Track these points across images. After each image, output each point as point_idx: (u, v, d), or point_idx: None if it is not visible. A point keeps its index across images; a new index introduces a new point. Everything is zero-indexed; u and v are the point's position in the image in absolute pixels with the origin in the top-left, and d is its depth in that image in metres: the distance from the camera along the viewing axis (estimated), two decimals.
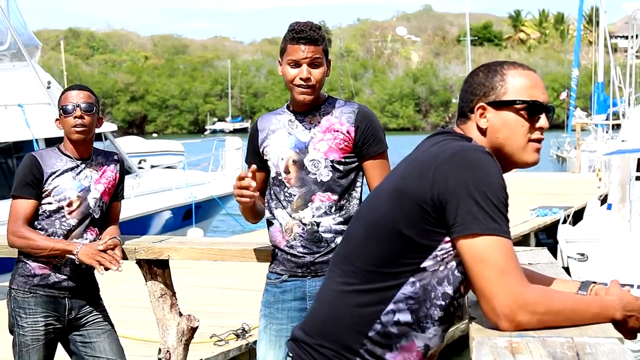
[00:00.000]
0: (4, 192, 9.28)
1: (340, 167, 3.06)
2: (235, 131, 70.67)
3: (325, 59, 3.05)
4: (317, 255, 3.05)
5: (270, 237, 3.17)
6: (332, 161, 3.05)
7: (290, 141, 3.09)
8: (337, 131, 3.06)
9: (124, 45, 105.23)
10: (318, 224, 3.05)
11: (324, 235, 3.05)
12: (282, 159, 3.09)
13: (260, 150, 3.16)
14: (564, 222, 13.31)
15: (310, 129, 3.08)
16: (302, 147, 3.07)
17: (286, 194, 3.09)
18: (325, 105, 3.12)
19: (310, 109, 3.10)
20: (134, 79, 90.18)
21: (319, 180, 3.06)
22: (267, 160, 3.15)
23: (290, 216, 3.07)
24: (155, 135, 72.51)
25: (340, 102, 3.15)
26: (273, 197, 3.13)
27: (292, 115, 3.13)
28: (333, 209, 3.06)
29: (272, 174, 3.13)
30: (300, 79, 3.00)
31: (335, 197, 3.06)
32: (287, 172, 3.08)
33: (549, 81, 75.71)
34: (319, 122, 3.08)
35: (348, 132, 3.06)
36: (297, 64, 3.00)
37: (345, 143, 3.07)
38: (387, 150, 3.15)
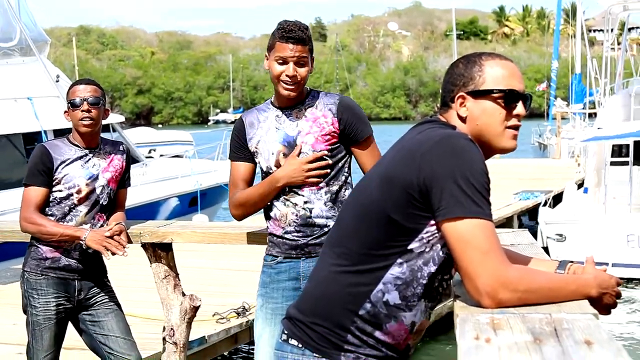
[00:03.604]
0: (14, 181, 9.24)
1: (328, 158, 3.05)
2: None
3: (310, 57, 3.03)
4: (309, 238, 3.04)
5: (268, 226, 3.15)
6: (320, 152, 3.04)
7: (279, 135, 3.07)
8: (322, 123, 3.05)
9: (131, 41, 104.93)
10: (310, 210, 3.04)
11: (316, 220, 3.04)
12: (273, 153, 3.07)
13: (249, 144, 3.11)
14: (545, 205, 13.33)
15: (297, 123, 3.06)
16: (291, 141, 3.05)
17: None
18: (309, 99, 3.10)
19: (296, 103, 3.08)
20: (141, 73, 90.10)
21: None
22: (255, 154, 3.11)
23: (284, 205, 3.05)
24: (160, 126, 72.39)
25: (322, 94, 3.13)
26: None
27: (278, 110, 3.10)
28: (323, 196, 3.04)
29: (264, 168, 3.10)
30: (287, 75, 2.97)
31: (324, 184, 3.04)
32: (277, 165, 3.06)
33: (531, 73, 75.75)
34: (305, 116, 3.06)
35: (332, 123, 3.05)
36: (284, 62, 2.97)
37: (331, 134, 3.05)
38: (373, 134, 3.13)
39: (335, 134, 3.05)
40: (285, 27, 2.97)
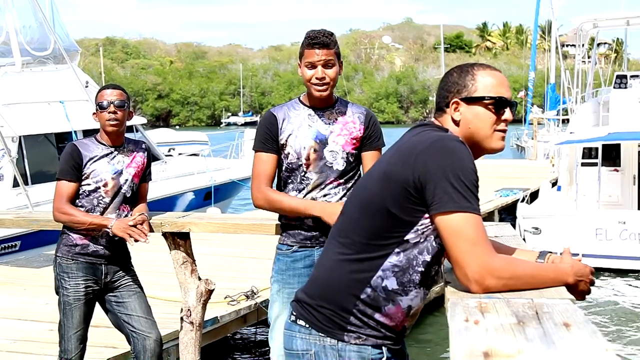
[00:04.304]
0: (49, 176, 9.25)
1: (351, 158, 3.08)
2: (246, 124, 70.54)
3: (337, 60, 3.02)
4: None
5: (282, 217, 3.11)
6: (347, 153, 3.06)
7: (311, 132, 3.05)
8: (351, 128, 3.07)
9: (152, 51, 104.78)
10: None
11: None
12: (304, 148, 3.04)
13: (281, 136, 3.06)
14: (522, 201, 13.32)
15: (329, 124, 3.06)
16: (323, 139, 3.05)
17: (303, 177, 3.06)
18: (338, 105, 3.11)
19: (327, 106, 3.08)
20: (160, 80, 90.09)
21: (334, 169, 3.05)
22: (283, 146, 3.06)
23: (305, 196, 3.04)
24: (177, 127, 72.23)
25: (349, 104, 3.15)
26: (290, 179, 3.08)
27: (310, 110, 3.08)
28: (340, 190, 3.05)
29: (292, 159, 3.05)
30: (316, 78, 2.98)
31: (342, 181, 3.06)
32: (307, 159, 3.04)
33: (511, 82, 74.85)
34: (336, 119, 3.07)
35: (360, 129, 3.08)
36: (313, 66, 2.98)
37: (357, 139, 3.08)
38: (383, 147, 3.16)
39: (359, 140, 3.08)
40: (311, 35, 2.99)
